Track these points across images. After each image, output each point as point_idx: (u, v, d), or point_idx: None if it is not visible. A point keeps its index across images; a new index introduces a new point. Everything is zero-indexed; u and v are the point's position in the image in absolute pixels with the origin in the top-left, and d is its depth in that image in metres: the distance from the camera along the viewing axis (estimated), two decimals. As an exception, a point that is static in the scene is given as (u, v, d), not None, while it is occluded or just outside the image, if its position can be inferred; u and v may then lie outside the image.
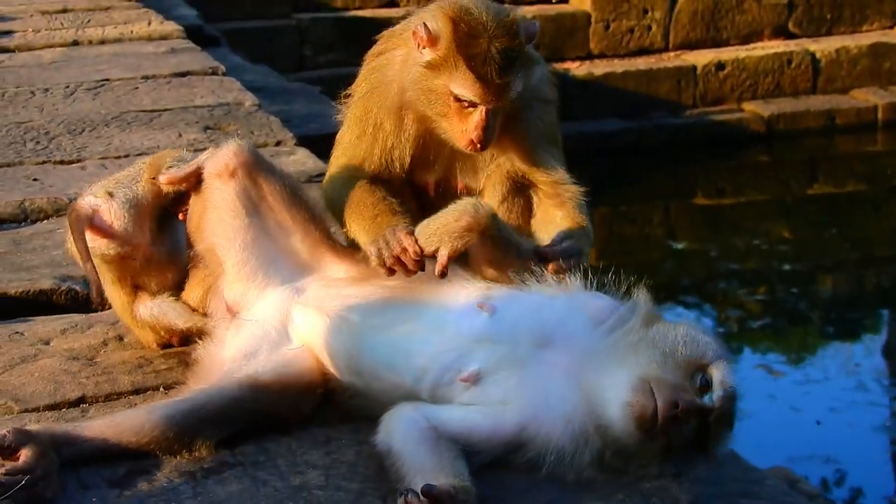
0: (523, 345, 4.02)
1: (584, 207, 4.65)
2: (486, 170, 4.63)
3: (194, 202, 4.61)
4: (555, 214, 4.63)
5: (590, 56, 17.33)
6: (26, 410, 4.41)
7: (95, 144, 7.67)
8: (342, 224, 4.62)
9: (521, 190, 4.63)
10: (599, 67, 16.99)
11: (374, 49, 4.74)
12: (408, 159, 4.63)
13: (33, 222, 6.45)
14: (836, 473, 8.84)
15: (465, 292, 4.24)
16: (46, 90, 9.06)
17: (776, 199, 15.57)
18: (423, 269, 4.22)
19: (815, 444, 9.13)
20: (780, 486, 4.91)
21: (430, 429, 3.86)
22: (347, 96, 4.80)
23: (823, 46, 17.44)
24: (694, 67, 16.91)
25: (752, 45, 17.54)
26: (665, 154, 15.88)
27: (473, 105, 4.35)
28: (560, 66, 16.69)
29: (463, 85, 4.32)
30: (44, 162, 7.36)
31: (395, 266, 4.24)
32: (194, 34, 11.74)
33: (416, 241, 4.21)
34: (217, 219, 4.54)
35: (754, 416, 9.55)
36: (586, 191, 4.69)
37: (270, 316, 4.45)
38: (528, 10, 16.67)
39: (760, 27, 17.76)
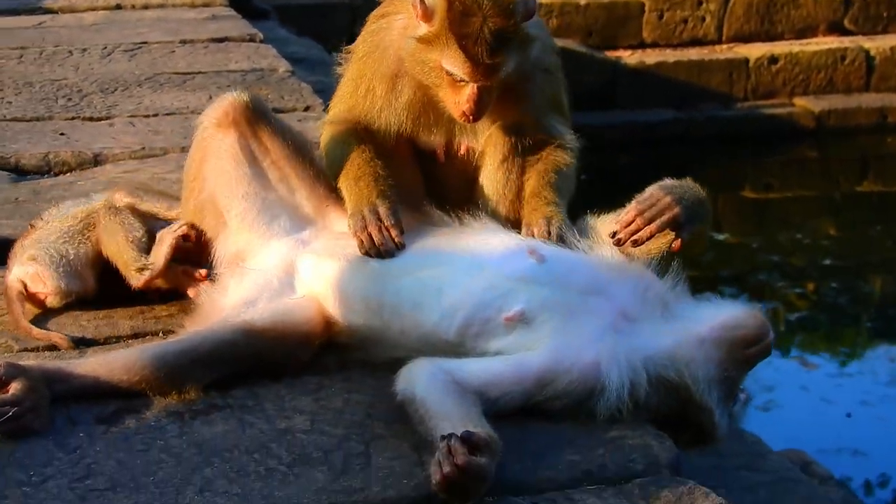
0: (572, 291, 4.05)
1: (563, 178, 4.61)
2: (487, 131, 4.61)
3: (193, 151, 4.61)
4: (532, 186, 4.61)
5: (642, 45, 17.23)
6: (26, 350, 4.44)
7: (126, 103, 7.71)
8: (333, 175, 4.64)
9: (521, 151, 4.61)
10: (651, 57, 16.89)
11: (377, 11, 4.73)
12: (399, 124, 4.61)
13: (56, 175, 6.49)
14: (864, 466, 8.76)
15: (507, 240, 4.27)
16: (84, 50, 9.11)
17: (824, 196, 15.44)
18: (392, 255, 4.30)
19: (844, 437, 9.05)
20: (784, 461, 4.89)
21: (452, 382, 3.85)
22: (348, 52, 4.81)
23: (879, 44, 17.26)
24: (746, 60, 16.78)
25: (806, 41, 17.38)
26: (714, 146, 15.77)
27: (465, 81, 4.35)
28: (612, 54, 16.63)
29: (453, 63, 4.30)
30: (73, 118, 7.40)
31: (366, 242, 4.33)
32: (243, 6, 11.73)
33: (396, 224, 4.33)
34: (219, 169, 4.54)
35: (785, 406, 9.52)
36: (581, 147, 4.70)
37: (274, 265, 4.46)
38: (581, -3, 16.67)
39: (815, 22, 17.61)
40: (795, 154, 16.24)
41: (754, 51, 16.95)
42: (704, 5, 17.24)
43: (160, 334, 4.54)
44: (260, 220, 4.52)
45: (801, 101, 16.62)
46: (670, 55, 16.93)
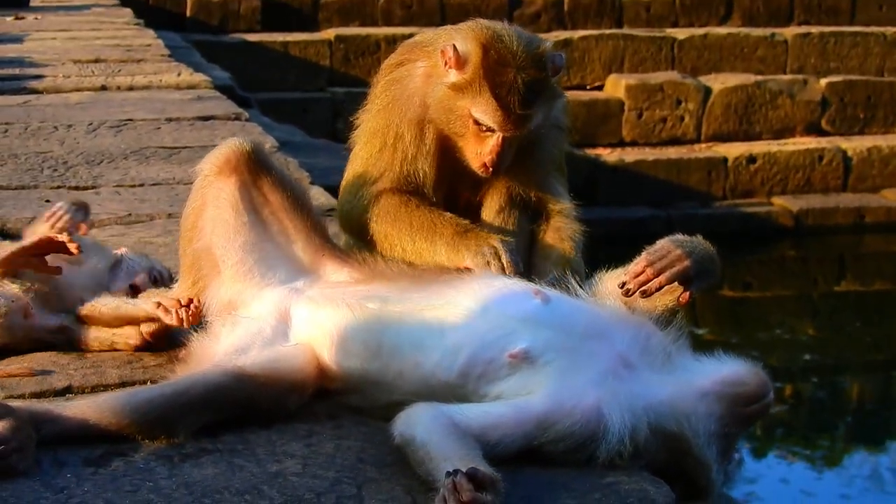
0: (575, 334, 4.01)
1: (580, 248, 4.68)
2: (489, 182, 4.62)
3: (192, 199, 4.58)
4: (550, 253, 4.65)
5: (621, 143, 17.41)
6: (11, 396, 4.37)
7: (112, 174, 7.72)
8: (378, 239, 4.63)
9: (517, 204, 4.63)
10: (630, 155, 17.05)
11: (393, 59, 4.73)
12: (431, 172, 4.61)
13: (41, 238, 6.46)
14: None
15: (509, 282, 4.25)
16: (69, 126, 9.14)
17: (802, 295, 15.52)
18: None
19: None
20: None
21: (452, 424, 3.80)
22: (364, 111, 4.78)
23: (855, 145, 17.46)
24: (725, 159, 16.94)
25: (783, 141, 17.59)
26: (692, 244, 15.81)
27: (491, 131, 4.37)
28: (591, 152, 16.79)
29: (484, 111, 4.34)
30: (59, 187, 7.40)
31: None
32: (225, 94, 11.79)
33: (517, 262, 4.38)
34: (218, 218, 4.50)
35: (766, 499, 9.48)
36: (586, 230, 4.74)
37: (268, 314, 4.40)
38: (560, 96, 16.79)
39: (793, 123, 17.81)
40: (774, 253, 16.34)
41: (733, 150, 17.13)
42: (683, 105, 17.42)
43: (148, 384, 4.47)
44: (256, 270, 4.48)
45: (779, 201, 16.77)
46: (649, 153, 17.09)
